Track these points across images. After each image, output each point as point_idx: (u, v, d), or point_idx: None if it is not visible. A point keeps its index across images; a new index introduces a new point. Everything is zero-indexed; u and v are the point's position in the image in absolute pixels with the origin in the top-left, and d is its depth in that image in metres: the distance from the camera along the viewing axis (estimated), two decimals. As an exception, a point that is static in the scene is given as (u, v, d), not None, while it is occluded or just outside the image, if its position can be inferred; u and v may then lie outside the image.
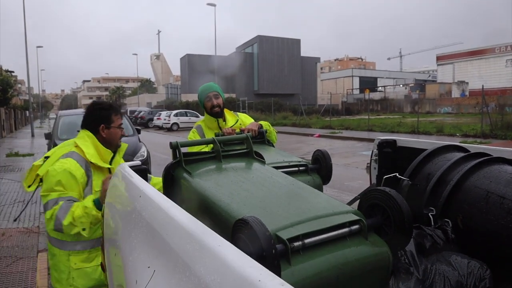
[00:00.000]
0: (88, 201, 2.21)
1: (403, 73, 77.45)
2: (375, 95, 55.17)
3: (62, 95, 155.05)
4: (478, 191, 1.89)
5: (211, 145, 2.18)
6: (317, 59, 57.13)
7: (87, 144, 2.39)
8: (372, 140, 3.00)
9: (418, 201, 2.11)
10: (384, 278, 1.46)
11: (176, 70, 77.88)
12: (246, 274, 0.73)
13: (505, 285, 1.76)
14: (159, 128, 32.56)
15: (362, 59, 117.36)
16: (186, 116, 31.78)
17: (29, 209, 6.49)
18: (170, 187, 2.00)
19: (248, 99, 38.56)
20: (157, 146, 16.60)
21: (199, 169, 1.94)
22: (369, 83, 64.15)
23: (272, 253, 1.12)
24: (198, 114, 31.55)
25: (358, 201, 1.65)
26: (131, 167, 2.00)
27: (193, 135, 3.09)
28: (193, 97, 43.37)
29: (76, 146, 2.39)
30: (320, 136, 21.45)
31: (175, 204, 1.24)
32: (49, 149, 7.98)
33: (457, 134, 18.36)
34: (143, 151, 7.50)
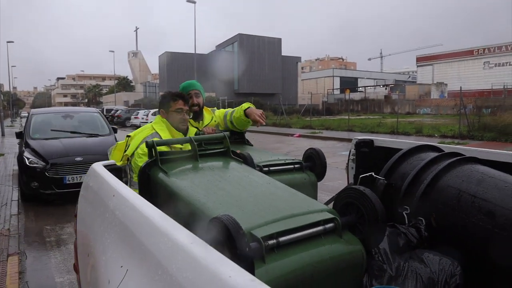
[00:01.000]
0: None
1: (383, 74, 78.42)
2: (356, 96, 55.71)
3: (34, 93, 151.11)
4: (451, 190, 1.94)
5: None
6: (298, 59, 57.36)
7: (163, 128, 2.68)
8: (352, 141, 3.04)
9: (393, 200, 2.15)
10: (358, 276, 1.48)
11: (154, 68, 77.17)
12: (217, 270, 0.73)
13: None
14: (137, 127, 32.03)
15: (343, 59, 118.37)
16: (165, 115, 31.45)
17: (-1, 211, 6.33)
18: (146, 187, 1.98)
19: (228, 98, 38.41)
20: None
21: (175, 168, 1.93)
22: (349, 83, 64.72)
23: (246, 251, 1.12)
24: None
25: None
26: (106, 166, 1.98)
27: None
28: (173, 96, 42.84)
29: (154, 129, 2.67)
30: (300, 136, 21.54)
31: (149, 203, 1.23)
32: (20, 148, 7.81)
33: (436, 135, 18.70)
34: (120, 151, 7.39)
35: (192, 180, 1.77)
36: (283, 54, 52.94)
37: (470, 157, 2.16)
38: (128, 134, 2.71)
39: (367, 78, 69.31)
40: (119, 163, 2.55)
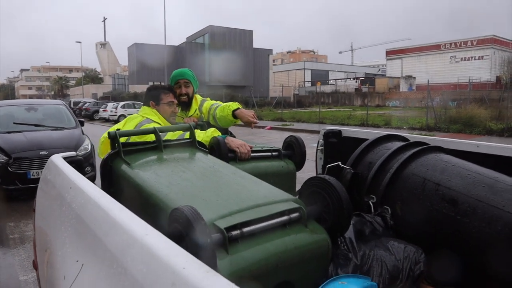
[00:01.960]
0: None
1: (354, 67, 79.43)
2: (327, 88, 56.29)
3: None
4: (416, 178, 1.96)
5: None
6: (269, 51, 57.36)
7: (152, 113, 2.70)
8: (320, 131, 3.03)
9: (360, 189, 2.16)
10: (323, 265, 1.47)
11: (123, 60, 75.61)
12: (171, 262, 0.70)
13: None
14: (106, 120, 31.47)
15: (314, 52, 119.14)
16: (134, 107, 30.82)
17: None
18: (109, 179, 1.92)
19: (199, 90, 37.99)
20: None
21: (139, 160, 1.88)
22: (320, 76, 65.30)
23: (207, 243, 1.09)
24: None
25: None
26: (65, 158, 1.90)
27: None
28: (141, 88, 42.24)
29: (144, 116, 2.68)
30: (271, 128, 21.61)
31: (106, 194, 1.18)
32: None
33: (404, 127, 19.13)
34: (86, 144, 7.20)
35: (156, 171, 1.72)
36: (254, 46, 52.85)
37: (434, 146, 2.19)
38: (108, 131, 2.60)
39: (338, 71, 70.09)
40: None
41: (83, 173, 1.68)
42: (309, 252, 1.37)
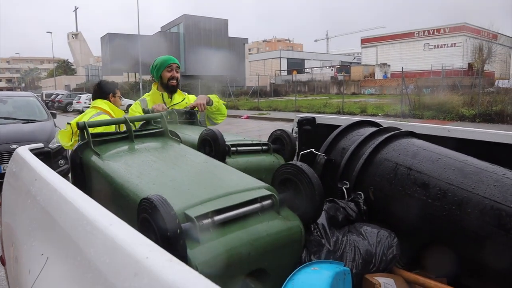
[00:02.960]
0: None
1: (329, 55, 79.76)
2: (303, 77, 56.44)
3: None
4: (388, 163, 1.98)
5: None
6: (245, 40, 57.04)
7: (104, 105, 3.20)
8: (294, 119, 3.02)
9: (333, 176, 2.17)
10: (296, 252, 1.47)
11: (96, 50, 73.91)
12: (133, 252, 0.68)
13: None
14: (80, 112, 30.81)
15: (290, 41, 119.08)
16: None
17: None
18: (78, 171, 1.87)
19: (175, 81, 37.60)
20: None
21: (109, 150, 1.83)
22: (296, 65, 65.41)
23: (177, 232, 1.08)
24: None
25: None
26: (33, 150, 1.85)
27: (134, 108, 2.94)
28: (116, 79, 41.45)
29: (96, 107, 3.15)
30: (248, 117, 21.60)
31: (71, 185, 1.15)
32: None
33: (379, 114, 19.41)
34: (59, 136, 7.03)
35: (126, 162, 1.69)
36: (230, 35, 52.46)
37: (407, 131, 2.21)
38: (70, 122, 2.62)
39: (313, 60, 70.31)
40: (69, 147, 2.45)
41: (53, 165, 1.63)
42: (282, 239, 1.37)
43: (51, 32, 60.59)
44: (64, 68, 76.59)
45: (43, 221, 1.14)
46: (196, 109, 2.89)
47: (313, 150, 2.32)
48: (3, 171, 6.23)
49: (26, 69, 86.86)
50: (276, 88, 47.25)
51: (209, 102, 2.97)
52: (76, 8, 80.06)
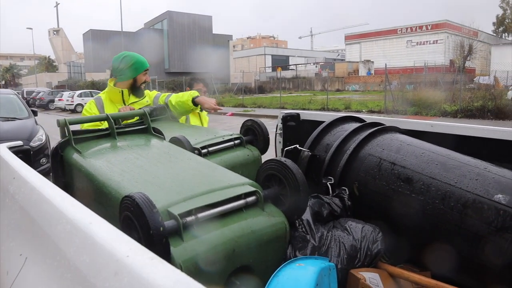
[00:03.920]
0: None
1: (313, 52, 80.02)
2: (287, 74, 56.54)
3: None
4: (372, 158, 1.98)
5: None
6: (229, 37, 56.87)
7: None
8: (278, 115, 3.00)
9: (317, 171, 2.17)
10: (281, 248, 1.47)
11: (79, 47, 72.77)
12: (114, 250, 0.66)
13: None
14: (62, 110, 30.39)
15: (274, 38, 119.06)
16: (92, 96, 29.89)
17: None
18: (59, 169, 1.84)
19: (158, 78, 37.33)
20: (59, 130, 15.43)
21: (90, 148, 1.80)
22: (281, 62, 65.46)
23: (159, 230, 1.06)
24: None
25: None
26: (11, 148, 1.80)
27: (88, 108, 2.72)
28: (98, 76, 41.02)
29: None
30: (233, 114, 21.54)
31: (50, 183, 1.12)
32: None
33: (363, 110, 19.56)
34: (40, 135, 6.90)
35: (108, 159, 1.66)
36: (214, 32, 52.23)
37: (390, 126, 2.22)
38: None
39: (298, 56, 70.48)
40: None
41: (34, 164, 1.59)
42: (266, 236, 1.37)
43: (31, 28, 59.60)
44: (46, 65, 75.29)
45: (21, 220, 1.11)
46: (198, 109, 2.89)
47: (297, 146, 2.31)
48: (-18, 170, 6.08)
49: (6, 66, 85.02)
50: (261, 85, 47.22)
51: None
52: (57, 4, 78.66)
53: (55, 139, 2.08)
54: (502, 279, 1.56)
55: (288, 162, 1.48)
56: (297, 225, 1.63)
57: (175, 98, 2.82)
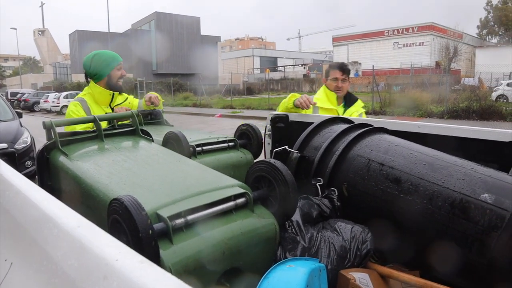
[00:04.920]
0: None
1: (302, 54, 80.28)
2: (275, 75, 56.62)
3: None
4: (361, 159, 1.99)
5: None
6: (217, 38, 56.81)
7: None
8: (267, 117, 3.02)
9: (307, 172, 2.17)
10: (271, 249, 1.47)
11: (65, 47, 71.91)
12: (103, 254, 0.65)
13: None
14: (48, 111, 30.03)
15: (262, 39, 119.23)
16: (79, 98, 29.62)
17: None
18: (45, 172, 1.81)
19: (146, 79, 37.05)
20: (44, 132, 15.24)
21: (77, 150, 1.78)
22: (269, 63, 65.60)
23: (148, 233, 1.05)
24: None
25: None
26: None
27: (75, 110, 2.61)
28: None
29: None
30: (221, 116, 21.52)
31: (36, 186, 1.10)
32: None
33: (351, 112, 19.69)
34: (26, 137, 6.79)
35: (96, 162, 1.64)
36: (202, 33, 52.14)
37: (379, 127, 2.24)
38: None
39: (286, 58, 70.68)
40: None
41: (19, 166, 1.56)
42: (256, 237, 1.36)
43: (15, 28, 58.92)
44: (31, 66, 74.31)
45: (6, 224, 1.09)
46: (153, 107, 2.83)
47: (286, 147, 2.32)
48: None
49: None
50: (249, 86, 47.25)
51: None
52: (42, 4, 77.77)
53: (41, 142, 2.05)
54: (490, 277, 1.57)
55: (278, 163, 1.48)
56: (287, 226, 1.63)
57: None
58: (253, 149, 2.38)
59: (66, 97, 29.49)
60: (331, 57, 69.39)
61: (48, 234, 0.84)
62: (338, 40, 59.85)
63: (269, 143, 3.02)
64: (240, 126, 2.49)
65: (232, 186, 1.42)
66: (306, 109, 3.01)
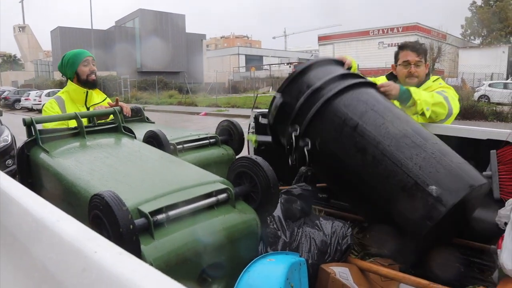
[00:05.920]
0: None
1: (287, 52, 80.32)
2: (261, 73, 56.62)
3: None
4: (337, 119, 1.90)
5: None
6: (202, 36, 56.51)
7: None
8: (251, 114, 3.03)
9: (286, 120, 2.04)
10: (253, 244, 1.49)
11: (46, 44, 70.72)
12: (82, 247, 0.66)
13: None
14: (29, 110, 29.45)
15: (248, 37, 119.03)
16: (61, 95, 29.16)
17: None
18: (26, 169, 1.80)
19: (130, 77, 36.69)
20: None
21: (58, 147, 1.77)
22: (255, 61, 65.52)
23: (129, 228, 1.06)
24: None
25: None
26: None
27: (50, 107, 2.60)
28: (69, 75, 39.87)
29: None
30: (206, 114, 21.43)
31: (14, 181, 1.10)
32: None
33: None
34: (6, 135, 6.67)
35: (77, 158, 1.63)
36: (187, 31, 51.82)
37: (365, 82, 2.09)
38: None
39: (272, 56, 70.67)
40: None
41: (0, 165, 1.55)
42: (238, 232, 1.38)
43: (-4, 25, 57.47)
44: (11, 63, 72.96)
45: (-15, 220, 1.08)
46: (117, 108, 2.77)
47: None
48: None
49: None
50: (235, 85, 47.18)
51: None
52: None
53: (22, 140, 2.02)
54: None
55: (259, 159, 1.50)
56: (269, 221, 1.65)
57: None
58: (234, 145, 2.40)
59: (48, 95, 28.92)
60: (317, 56, 69.60)
61: (27, 229, 0.84)
62: (323, 39, 60.07)
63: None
64: (221, 122, 2.52)
65: (213, 182, 1.44)
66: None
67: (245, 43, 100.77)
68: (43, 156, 1.70)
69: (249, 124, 3.07)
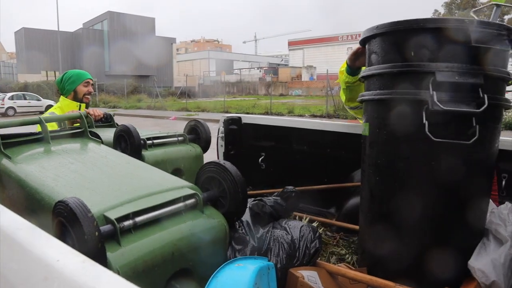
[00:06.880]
0: None
1: (258, 57, 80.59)
2: (231, 78, 56.59)
3: None
4: None
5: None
6: (172, 40, 55.99)
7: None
8: (220, 119, 3.12)
9: None
10: (221, 250, 1.48)
11: (10, 46, 68.47)
12: (43, 255, 0.65)
13: None
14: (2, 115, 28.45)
15: (218, 42, 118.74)
16: (25, 99, 28.13)
17: None
18: None
19: (98, 80, 35.87)
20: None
21: (22, 152, 1.72)
22: (225, 66, 65.45)
23: (95, 235, 1.04)
24: (40, 97, 28.38)
25: None
26: None
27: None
28: (32, 78, 38.74)
29: None
30: (176, 118, 21.24)
31: None
32: None
33: (306, 115, 20.03)
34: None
35: (41, 164, 1.59)
36: (157, 34, 51.29)
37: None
38: None
39: (242, 61, 70.79)
40: None
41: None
42: (206, 238, 1.37)
43: (-44, 26, 55.23)
44: (-27, 65, 70.12)
45: None
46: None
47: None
48: None
49: None
50: (205, 89, 47.00)
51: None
52: (-15, 0, 73.53)
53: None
54: None
55: (227, 164, 1.50)
56: (237, 226, 1.65)
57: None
58: (201, 143, 2.49)
59: (11, 98, 27.95)
60: (287, 60, 70.21)
61: (-14, 238, 0.81)
62: (293, 44, 60.72)
63: (222, 145, 3.04)
64: (189, 122, 2.62)
65: (181, 187, 1.43)
66: None
67: (215, 47, 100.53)
68: (5, 162, 1.65)
69: (218, 129, 3.07)
